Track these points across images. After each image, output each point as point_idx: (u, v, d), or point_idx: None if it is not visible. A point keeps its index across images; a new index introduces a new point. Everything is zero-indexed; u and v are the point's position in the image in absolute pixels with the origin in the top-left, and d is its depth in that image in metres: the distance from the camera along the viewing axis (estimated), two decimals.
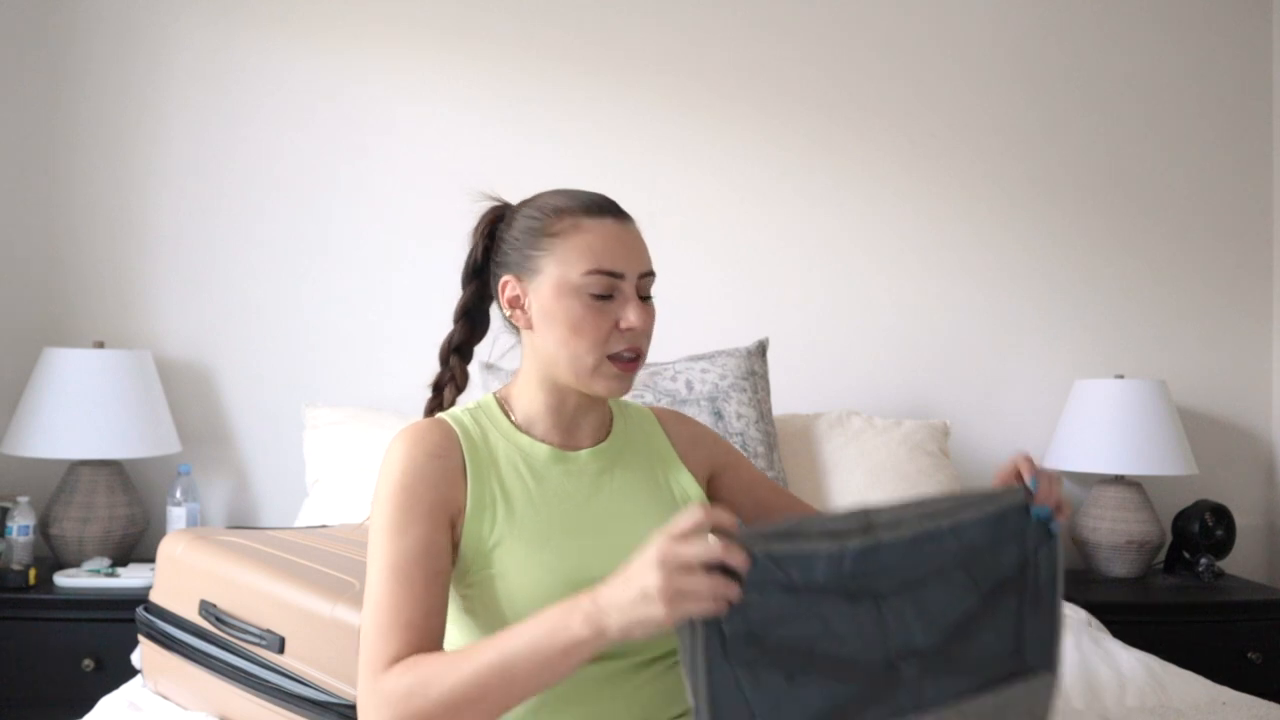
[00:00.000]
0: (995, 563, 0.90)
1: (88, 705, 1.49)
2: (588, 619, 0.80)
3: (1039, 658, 0.91)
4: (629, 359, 1.03)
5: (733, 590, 0.77)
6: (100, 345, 2.28)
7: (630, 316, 1.01)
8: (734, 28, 2.60)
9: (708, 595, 0.76)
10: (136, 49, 2.45)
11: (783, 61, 2.62)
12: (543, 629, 0.82)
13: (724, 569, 0.77)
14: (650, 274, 1.05)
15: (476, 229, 1.12)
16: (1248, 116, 2.75)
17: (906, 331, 2.64)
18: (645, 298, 1.05)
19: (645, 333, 1.04)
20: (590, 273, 1.01)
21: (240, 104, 2.48)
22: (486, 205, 1.14)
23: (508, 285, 1.06)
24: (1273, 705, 1.49)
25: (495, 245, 1.10)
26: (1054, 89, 2.69)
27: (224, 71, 2.48)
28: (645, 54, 2.57)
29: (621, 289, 1.02)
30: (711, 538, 0.79)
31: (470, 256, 1.12)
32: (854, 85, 2.64)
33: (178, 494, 2.25)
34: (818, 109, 2.62)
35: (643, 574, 0.77)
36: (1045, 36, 2.69)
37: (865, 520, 0.85)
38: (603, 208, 1.05)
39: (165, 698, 1.48)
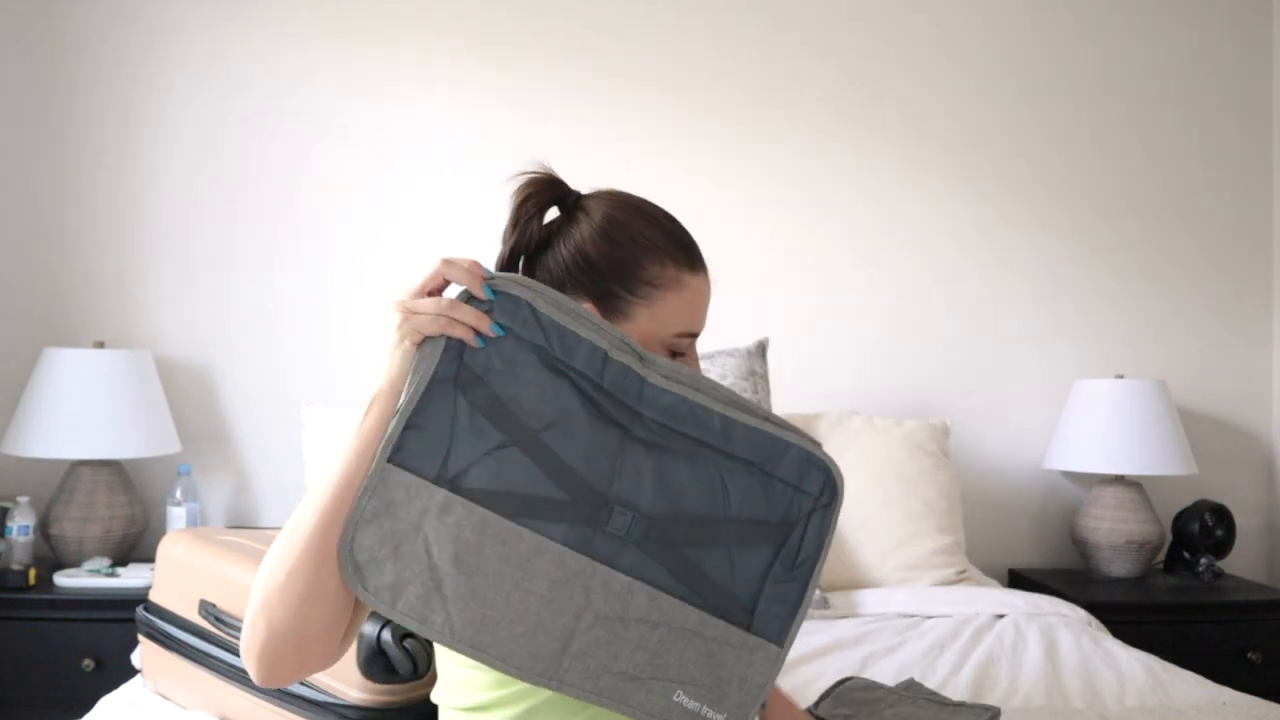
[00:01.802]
0: (758, 497, 0.83)
1: (88, 705, 1.49)
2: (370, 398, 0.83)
3: (770, 626, 0.83)
4: None
5: (466, 313, 0.78)
6: (100, 345, 2.28)
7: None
8: (735, 29, 2.60)
9: (433, 310, 0.78)
10: (136, 49, 2.46)
11: (783, 62, 2.62)
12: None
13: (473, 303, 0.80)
14: None
15: (525, 208, 0.97)
16: (1248, 117, 2.75)
17: (906, 331, 2.64)
18: None
19: None
20: (681, 335, 0.97)
21: (241, 104, 2.48)
22: (525, 175, 0.99)
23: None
24: (1273, 705, 1.49)
25: (553, 241, 0.98)
26: (1054, 90, 2.70)
27: (224, 71, 2.48)
28: (646, 54, 2.57)
29: (691, 344, 0.99)
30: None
31: (520, 242, 0.97)
32: (855, 86, 2.64)
33: (178, 494, 2.25)
34: (818, 109, 2.62)
35: (386, 317, 0.80)
36: (1047, 39, 2.69)
37: (643, 356, 0.83)
38: (701, 261, 1.00)
39: (165, 698, 1.48)
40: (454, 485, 0.78)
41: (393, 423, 0.78)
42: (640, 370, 0.82)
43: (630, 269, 0.95)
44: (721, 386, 0.85)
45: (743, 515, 0.83)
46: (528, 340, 0.81)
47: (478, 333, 0.79)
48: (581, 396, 0.81)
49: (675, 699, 0.81)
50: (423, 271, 0.81)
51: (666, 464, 0.82)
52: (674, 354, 0.98)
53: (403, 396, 0.79)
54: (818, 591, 1.99)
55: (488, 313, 0.80)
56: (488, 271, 0.81)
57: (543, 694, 0.93)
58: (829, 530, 0.84)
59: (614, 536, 0.80)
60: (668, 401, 0.82)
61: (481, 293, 0.79)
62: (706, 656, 0.82)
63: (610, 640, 0.79)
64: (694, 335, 0.99)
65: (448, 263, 0.80)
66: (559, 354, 0.81)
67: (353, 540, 0.77)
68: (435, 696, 1.03)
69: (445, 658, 1.00)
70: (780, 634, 0.83)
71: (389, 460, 0.78)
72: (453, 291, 0.81)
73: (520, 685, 0.92)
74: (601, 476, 0.81)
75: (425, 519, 0.78)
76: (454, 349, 0.80)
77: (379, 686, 1.19)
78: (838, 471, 0.84)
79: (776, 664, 0.83)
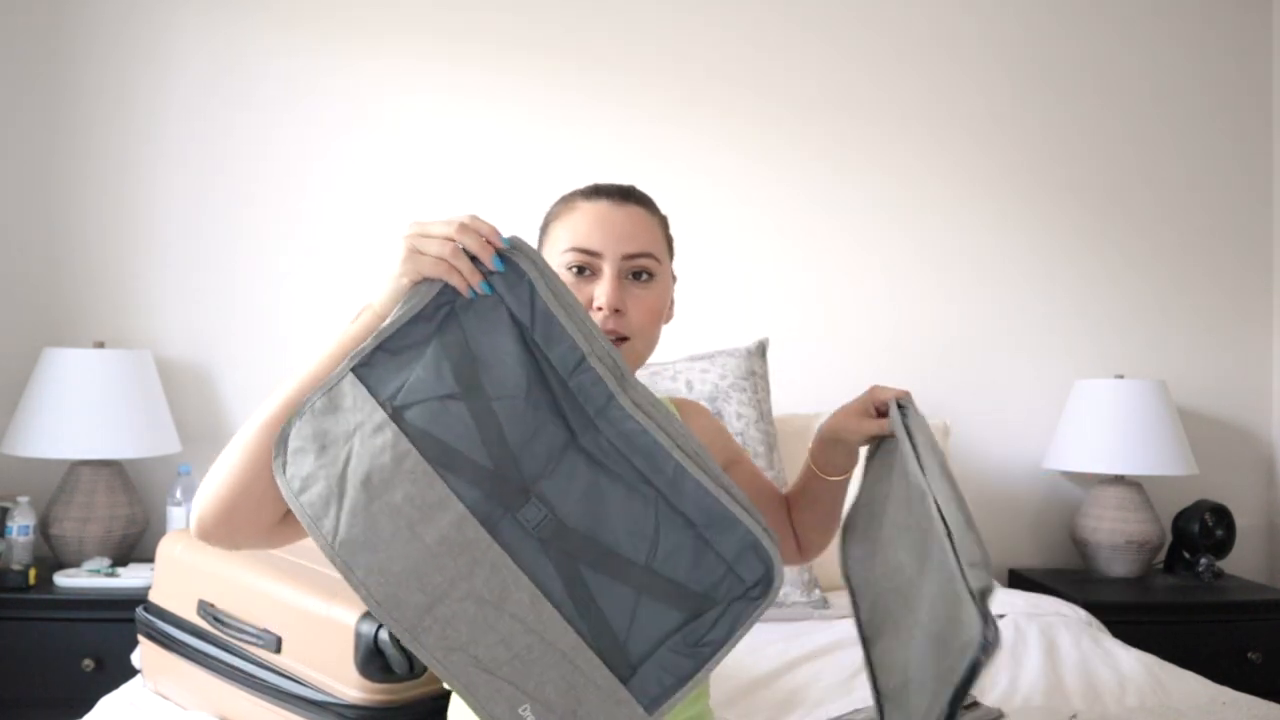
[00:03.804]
0: (688, 561, 0.81)
1: (88, 705, 1.49)
2: (360, 307, 0.87)
3: (647, 691, 0.79)
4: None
5: (465, 265, 0.81)
6: (100, 345, 2.28)
7: (599, 294, 0.99)
8: (735, 28, 2.60)
9: (437, 255, 0.80)
10: (137, 50, 2.46)
11: (783, 61, 2.62)
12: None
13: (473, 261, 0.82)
14: (639, 255, 1.01)
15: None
16: (1248, 117, 2.75)
17: (906, 331, 2.64)
18: (638, 277, 1.02)
19: (620, 312, 0.99)
20: (567, 250, 1.00)
21: (241, 105, 2.48)
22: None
23: None
24: (1273, 705, 1.49)
25: None
26: (1056, 90, 2.69)
27: (224, 72, 2.48)
28: (645, 53, 2.57)
29: (600, 267, 1.00)
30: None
31: None
32: (854, 86, 2.64)
33: (178, 494, 2.25)
34: (818, 109, 2.62)
35: (394, 246, 0.83)
36: (1047, 37, 2.69)
37: (624, 377, 0.84)
38: (602, 190, 1.04)
39: (165, 698, 1.48)
40: (395, 413, 0.80)
41: (369, 340, 0.81)
42: (613, 387, 0.82)
43: (544, 219, 1.07)
44: (694, 439, 0.83)
45: (663, 570, 0.80)
46: (516, 315, 0.82)
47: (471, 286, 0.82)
48: (544, 385, 0.82)
49: (520, 712, 0.78)
50: (443, 219, 0.83)
51: (604, 484, 0.81)
52: (577, 271, 1.00)
53: (388, 319, 0.82)
54: (817, 590, 1.99)
55: (488, 275, 0.82)
56: (505, 241, 0.83)
57: None
58: (745, 624, 0.81)
59: (521, 526, 0.79)
60: (629, 428, 0.81)
61: (490, 264, 0.82)
62: (569, 686, 0.78)
63: (477, 621, 0.78)
64: (588, 252, 1.00)
65: (464, 227, 0.81)
66: (539, 339, 0.82)
67: (289, 429, 0.81)
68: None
69: None
70: (654, 703, 0.79)
71: (352, 369, 0.81)
72: None
73: None
74: (533, 465, 0.80)
75: (358, 433, 0.80)
76: (448, 294, 0.82)
77: (376, 686, 1.19)
78: (779, 570, 0.81)
79: None
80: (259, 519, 0.84)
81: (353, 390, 0.80)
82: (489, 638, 0.78)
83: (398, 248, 0.82)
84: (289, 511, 0.85)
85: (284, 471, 0.80)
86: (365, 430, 0.79)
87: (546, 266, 0.84)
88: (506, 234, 0.84)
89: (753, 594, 0.81)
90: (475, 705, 0.78)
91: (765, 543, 0.81)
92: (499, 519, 0.79)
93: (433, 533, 0.78)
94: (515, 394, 0.81)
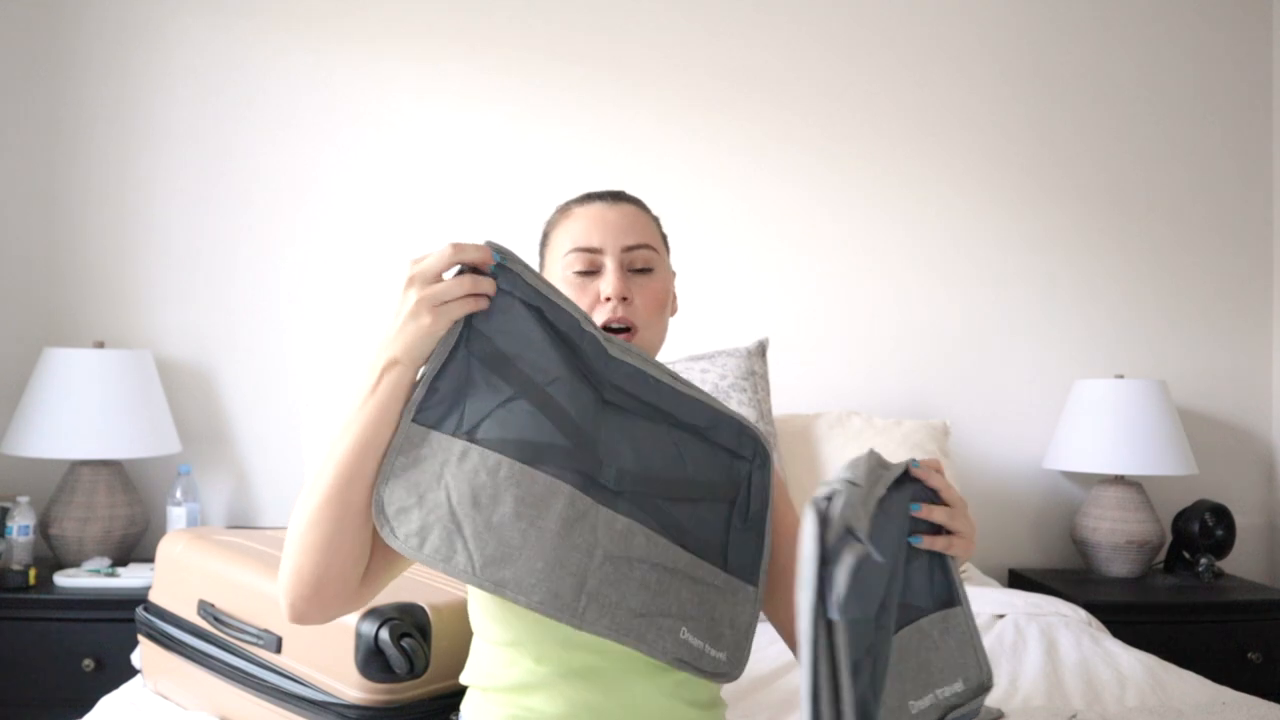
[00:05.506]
0: (706, 460, 0.94)
1: (88, 705, 1.50)
2: (371, 365, 0.86)
3: (743, 569, 0.94)
4: (617, 329, 1.03)
5: (486, 284, 0.85)
6: (100, 345, 2.28)
7: (604, 286, 1.02)
8: (734, 28, 2.60)
9: (463, 292, 0.84)
10: (137, 49, 2.46)
11: (783, 62, 2.62)
12: (349, 404, 0.88)
13: (475, 272, 0.86)
14: (638, 246, 1.05)
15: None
16: (1248, 117, 2.75)
17: (906, 331, 2.64)
18: (640, 270, 1.05)
19: (627, 300, 1.02)
20: (569, 252, 1.04)
21: (241, 105, 2.48)
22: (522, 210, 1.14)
23: None
24: (1273, 705, 1.48)
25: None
26: (1055, 90, 2.70)
27: (224, 72, 2.48)
28: (645, 54, 2.57)
29: (602, 263, 1.04)
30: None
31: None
32: (855, 86, 2.64)
33: (178, 494, 2.25)
34: (819, 110, 2.62)
35: (400, 301, 0.84)
36: (1047, 37, 2.69)
37: (603, 335, 0.92)
38: (595, 195, 1.08)
39: (165, 698, 1.48)
40: (470, 436, 0.85)
41: (418, 389, 0.85)
42: (604, 343, 0.91)
43: (545, 230, 1.11)
44: (663, 365, 0.95)
45: (698, 477, 0.93)
46: (530, 305, 0.88)
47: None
48: (570, 358, 0.89)
49: (682, 636, 0.88)
50: (435, 256, 0.85)
51: (630, 426, 0.91)
52: (580, 274, 1.03)
53: (429, 364, 0.85)
54: None
55: (494, 279, 0.87)
56: (493, 247, 0.87)
57: (549, 676, 0.96)
58: (769, 486, 0.97)
59: (606, 486, 0.88)
60: (627, 370, 0.92)
61: (492, 259, 0.86)
62: (700, 598, 0.90)
63: (619, 579, 0.86)
64: (589, 250, 1.04)
65: (458, 247, 0.85)
66: (551, 318, 0.89)
67: (382, 495, 0.83)
68: (464, 678, 1.07)
69: (477, 640, 1.04)
70: (752, 575, 0.95)
71: (413, 421, 0.85)
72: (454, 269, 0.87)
73: (539, 669, 0.96)
74: (591, 430, 0.88)
75: (446, 469, 0.84)
76: (468, 318, 0.86)
77: (377, 686, 1.19)
78: (765, 437, 0.98)
79: (756, 605, 0.94)
80: (346, 585, 0.88)
81: (424, 437, 0.84)
82: (631, 586, 0.87)
83: (414, 305, 0.83)
84: (367, 570, 0.89)
85: (396, 536, 0.83)
86: (451, 464, 0.84)
87: (521, 260, 0.89)
88: (481, 243, 0.88)
89: (756, 464, 0.97)
90: (650, 650, 0.87)
91: (746, 423, 0.97)
92: (590, 485, 0.87)
93: (553, 520, 0.84)
94: (560, 373, 0.88)
